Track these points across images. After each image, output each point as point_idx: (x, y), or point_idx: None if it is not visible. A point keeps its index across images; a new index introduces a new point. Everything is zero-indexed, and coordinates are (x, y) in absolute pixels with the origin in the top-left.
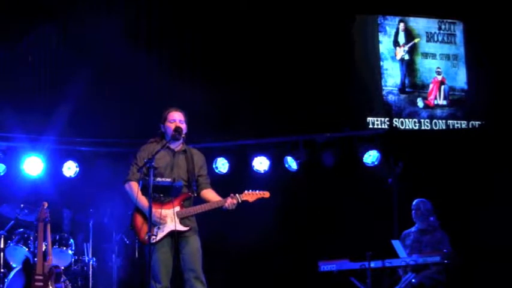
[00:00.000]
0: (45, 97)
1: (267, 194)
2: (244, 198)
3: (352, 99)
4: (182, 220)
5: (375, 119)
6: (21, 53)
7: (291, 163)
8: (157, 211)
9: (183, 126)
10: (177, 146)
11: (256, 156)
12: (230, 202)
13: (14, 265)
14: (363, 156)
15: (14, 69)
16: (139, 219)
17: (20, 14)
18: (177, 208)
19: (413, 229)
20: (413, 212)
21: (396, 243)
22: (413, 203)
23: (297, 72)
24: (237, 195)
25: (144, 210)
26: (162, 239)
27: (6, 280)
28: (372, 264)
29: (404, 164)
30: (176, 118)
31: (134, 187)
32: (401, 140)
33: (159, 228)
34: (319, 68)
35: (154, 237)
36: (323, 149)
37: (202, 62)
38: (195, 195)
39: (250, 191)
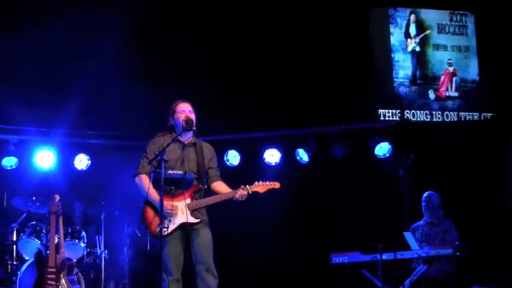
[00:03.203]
0: (56, 90)
1: (277, 185)
2: (255, 190)
3: (364, 91)
4: (193, 212)
5: (386, 111)
6: (31, 46)
7: (303, 155)
8: (168, 203)
9: (193, 116)
10: (188, 138)
11: (267, 149)
12: (240, 193)
13: (26, 257)
14: (374, 148)
15: (24, 63)
16: (150, 212)
17: (30, 7)
18: (188, 200)
19: (421, 222)
20: (423, 204)
21: (408, 236)
22: (424, 195)
23: (308, 64)
24: (247, 186)
25: (154, 203)
26: (173, 231)
27: (19, 272)
28: (384, 257)
29: (415, 156)
30: (185, 109)
31: (144, 180)
32: (413, 132)
33: (170, 220)
34: (330, 60)
35: (165, 229)
36: (334, 141)
37: (211, 54)
38: (206, 187)
39: (260, 182)
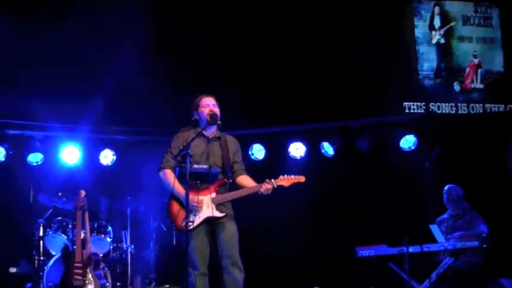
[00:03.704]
0: (81, 86)
1: (302, 179)
2: (280, 183)
3: (389, 85)
4: (218, 206)
5: (411, 103)
6: (56, 42)
7: (328, 149)
8: (193, 198)
9: (217, 110)
10: (212, 132)
11: (292, 142)
12: (265, 187)
13: (53, 253)
14: (399, 141)
15: (48, 60)
16: (175, 207)
17: (53, 3)
18: (213, 194)
19: (445, 216)
20: (444, 196)
21: (434, 228)
22: (445, 188)
23: (333, 57)
24: (272, 180)
25: (180, 198)
26: (198, 225)
27: (46, 268)
28: (410, 249)
29: (440, 148)
30: (209, 103)
31: (169, 175)
32: (438, 125)
33: (195, 215)
34: (355, 53)
35: (191, 223)
36: (359, 134)
37: (236, 47)
38: (231, 181)
39: (285, 175)
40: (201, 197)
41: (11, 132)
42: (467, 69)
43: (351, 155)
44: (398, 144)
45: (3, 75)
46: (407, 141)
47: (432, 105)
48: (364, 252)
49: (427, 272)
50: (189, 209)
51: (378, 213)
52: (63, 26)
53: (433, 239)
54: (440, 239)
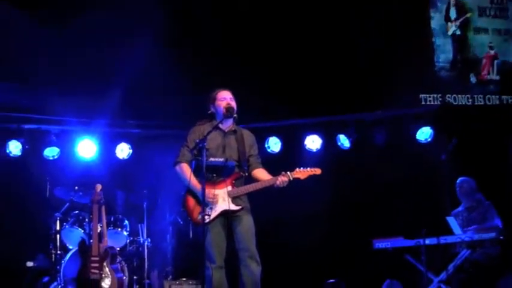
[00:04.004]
0: (97, 80)
1: (318, 171)
2: (296, 176)
3: (405, 77)
4: (234, 199)
5: (428, 95)
6: (72, 37)
7: (344, 141)
8: (210, 191)
9: (233, 103)
10: (228, 126)
11: (308, 135)
12: (281, 180)
13: (70, 247)
14: (415, 133)
15: (65, 54)
16: (191, 200)
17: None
18: (229, 188)
19: (460, 208)
20: (457, 190)
21: (451, 220)
22: (457, 181)
23: (348, 50)
24: (288, 173)
25: (196, 191)
26: (214, 219)
27: (62, 262)
28: (427, 241)
29: (457, 140)
30: (226, 96)
31: (185, 168)
32: (454, 116)
33: (211, 208)
34: (370, 45)
35: (207, 217)
36: (375, 126)
37: (251, 41)
38: (246, 174)
39: (301, 168)
40: (217, 191)
41: (27, 126)
42: (484, 61)
43: (367, 148)
44: (415, 137)
45: (19, 70)
46: (424, 133)
47: (448, 97)
48: (381, 244)
49: (444, 264)
50: (205, 203)
51: (394, 206)
52: (79, 21)
53: (450, 231)
54: (457, 230)
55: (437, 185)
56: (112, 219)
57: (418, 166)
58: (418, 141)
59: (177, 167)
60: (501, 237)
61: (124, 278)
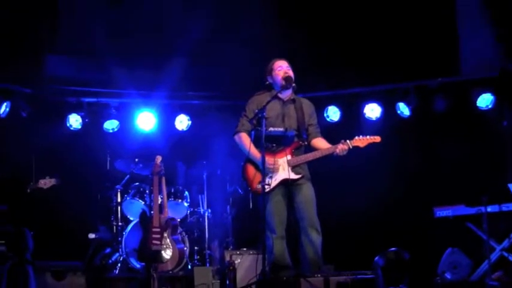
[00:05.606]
0: (156, 52)
1: (378, 139)
2: (355, 144)
3: (465, 43)
4: (294, 168)
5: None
6: (131, 10)
7: (403, 109)
8: (269, 160)
9: (291, 73)
10: (287, 95)
11: (367, 104)
12: (341, 148)
13: (131, 218)
14: (476, 100)
15: (125, 27)
16: (251, 170)
17: None
18: (289, 157)
19: None
20: None
21: None
22: None
23: (408, 17)
24: (347, 141)
25: (255, 161)
26: (274, 188)
27: (124, 233)
28: (489, 209)
29: None
30: (283, 65)
31: (244, 138)
32: None
33: (271, 177)
34: (430, 12)
35: (267, 186)
36: (435, 94)
37: (310, 11)
38: (306, 143)
39: (361, 136)
40: (277, 160)
41: (87, 100)
42: None
43: (427, 115)
44: (476, 103)
45: (78, 46)
46: (485, 100)
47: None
48: (442, 212)
49: (507, 231)
50: (265, 172)
51: (455, 173)
52: None
53: None
54: None
55: (498, 151)
56: (172, 190)
57: (479, 133)
58: (479, 108)
59: (236, 137)
60: None
61: (185, 248)
